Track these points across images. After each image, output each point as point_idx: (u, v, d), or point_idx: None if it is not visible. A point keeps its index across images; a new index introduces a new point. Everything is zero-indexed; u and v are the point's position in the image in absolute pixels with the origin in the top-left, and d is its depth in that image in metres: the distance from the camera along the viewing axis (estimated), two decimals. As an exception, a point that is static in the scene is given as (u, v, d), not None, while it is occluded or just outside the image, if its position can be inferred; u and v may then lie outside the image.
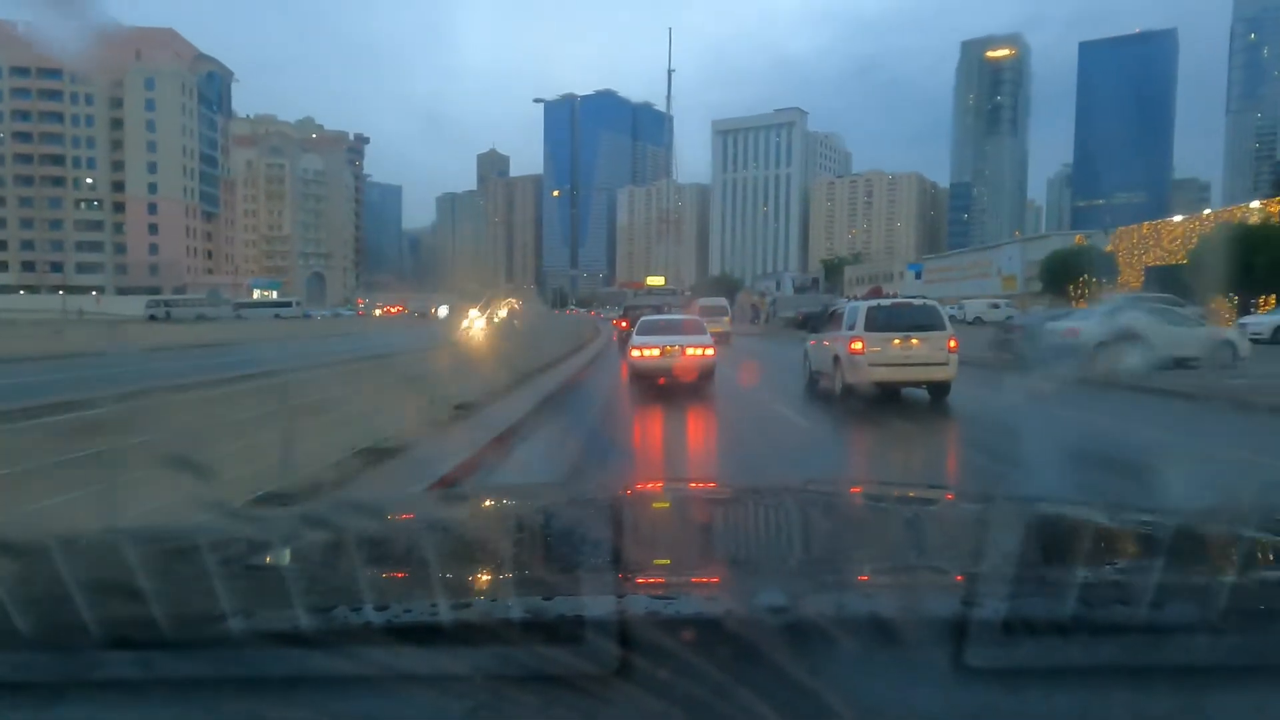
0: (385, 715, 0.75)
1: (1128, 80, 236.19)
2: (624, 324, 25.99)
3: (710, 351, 14.33)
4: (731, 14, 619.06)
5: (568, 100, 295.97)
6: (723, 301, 41.32)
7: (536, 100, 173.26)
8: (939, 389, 12.76)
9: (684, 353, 14.04)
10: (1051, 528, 1.55)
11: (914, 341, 12.45)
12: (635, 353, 14.41)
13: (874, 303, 13.58)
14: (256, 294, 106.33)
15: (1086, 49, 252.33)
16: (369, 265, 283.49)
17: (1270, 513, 1.40)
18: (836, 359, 13.19)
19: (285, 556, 1.31)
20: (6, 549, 1.22)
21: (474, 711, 0.73)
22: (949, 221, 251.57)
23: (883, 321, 12.67)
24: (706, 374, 14.29)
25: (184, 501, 3.53)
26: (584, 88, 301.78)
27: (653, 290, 58.77)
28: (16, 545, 1.26)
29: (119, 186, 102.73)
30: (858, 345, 12.51)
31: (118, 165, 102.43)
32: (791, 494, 2.00)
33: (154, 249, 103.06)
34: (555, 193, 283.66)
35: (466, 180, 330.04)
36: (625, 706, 0.73)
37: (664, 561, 1.32)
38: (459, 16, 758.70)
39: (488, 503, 1.90)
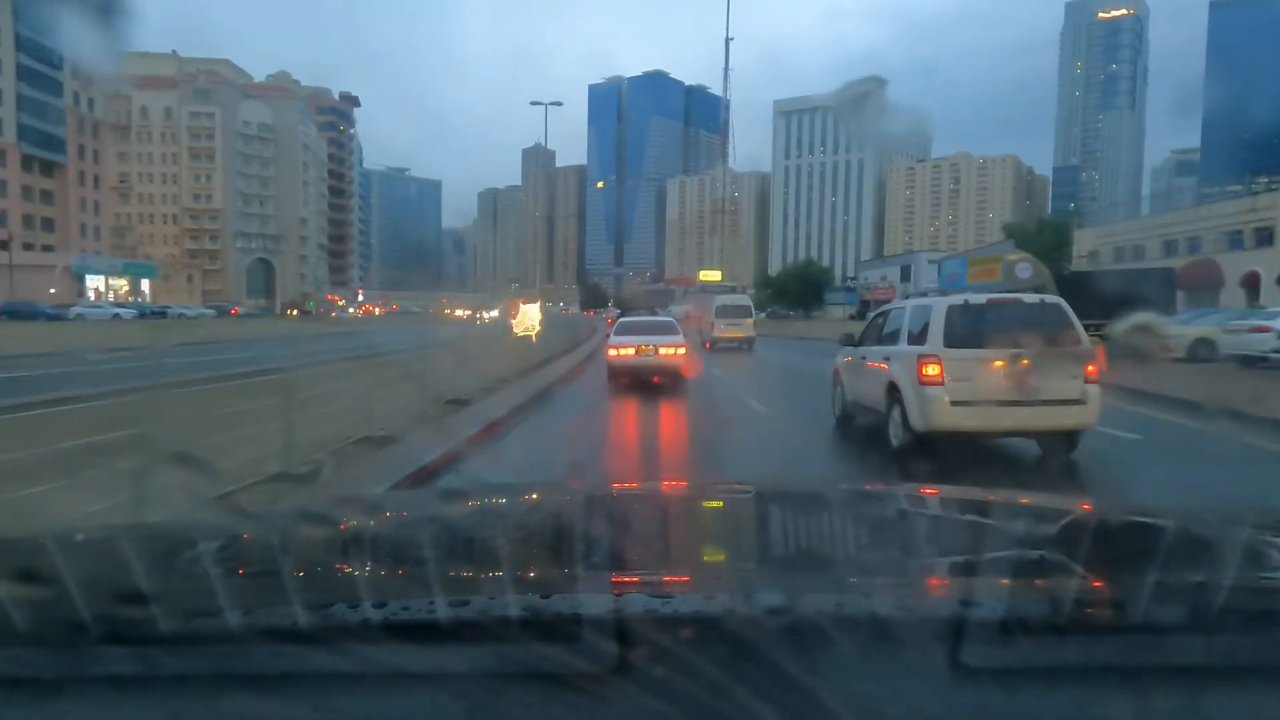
0: (383, 712, 0.72)
1: (1271, 45, 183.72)
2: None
3: (682, 350, 14.03)
4: (788, 13, 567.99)
5: (614, 84, 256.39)
6: (745, 300, 32.08)
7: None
8: (1063, 441, 7.36)
9: (657, 351, 13.87)
10: (1048, 528, 1.49)
11: (1026, 363, 7.01)
12: (612, 351, 14.27)
13: (958, 301, 7.66)
14: (95, 284, 64.91)
15: (1219, 10, 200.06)
16: (392, 260, 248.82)
17: (1267, 513, 1.35)
18: (894, 390, 7.67)
19: (283, 553, 1.24)
20: (4, 545, 1.18)
21: (472, 709, 0.70)
22: (1051, 211, 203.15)
23: (974, 331, 7.22)
24: (679, 370, 13.97)
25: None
26: (633, 72, 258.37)
27: (706, 286, 52.03)
28: (14, 541, 1.21)
29: None
30: (933, 369, 7.17)
31: None
32: (790, 494, 1.93)
33: (-76, 211, 62.22)
34: (600, 184, 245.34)
35: (513, 177, 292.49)
36: (623, 705, 0.70)
37: (662, 560, 1.28)
38: (508, 10, 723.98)
39: (486, 500, 1.81)
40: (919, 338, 7.55)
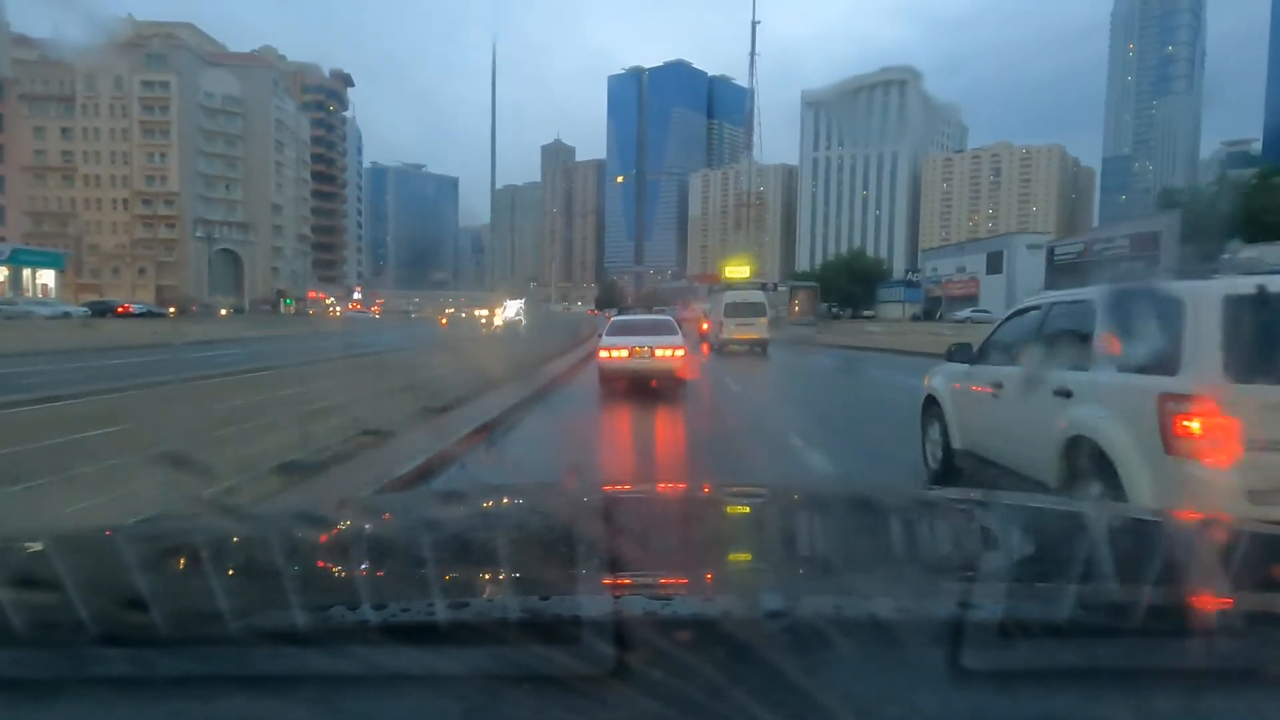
0: (382, 714, 0.71)
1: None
2: None
3: (680, 352, 12.76)
4: (811, 9, 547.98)
5: (634, 74, 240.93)
6: (758, 297, 27.29)
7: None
8: None
9: (653, 353, 12.60)
10: (1048, 529, 1.47)
11: None
12: (604, 353, 12.88)
13: (1243, 288, 3.30)
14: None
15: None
16: (406, 258, 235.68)
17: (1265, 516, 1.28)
18: (1088, 451, 3.84)
19: (282, 555, 1.21)
20: (3, 546, 1.17)
21: (470, 711, 0.69)
22: (1100, 204, 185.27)
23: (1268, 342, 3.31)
24: (676, 374, 12.73)
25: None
26: (654, 63, 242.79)
27: (732, 285, 42.49)
28: (13, 542, 1.20)
29: None
30: (1203, 424, 3.31)
31: None
32: (790, 495, 1.92)
33: None
34: (619, 178, 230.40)
35: (532, 174, 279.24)
36: (621, 707, 0.69)
37: (661, 562, 1.25)
38: (522, 7, 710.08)
39: (485, 502, 1.77)
40: (1149, 356, 3.78)
